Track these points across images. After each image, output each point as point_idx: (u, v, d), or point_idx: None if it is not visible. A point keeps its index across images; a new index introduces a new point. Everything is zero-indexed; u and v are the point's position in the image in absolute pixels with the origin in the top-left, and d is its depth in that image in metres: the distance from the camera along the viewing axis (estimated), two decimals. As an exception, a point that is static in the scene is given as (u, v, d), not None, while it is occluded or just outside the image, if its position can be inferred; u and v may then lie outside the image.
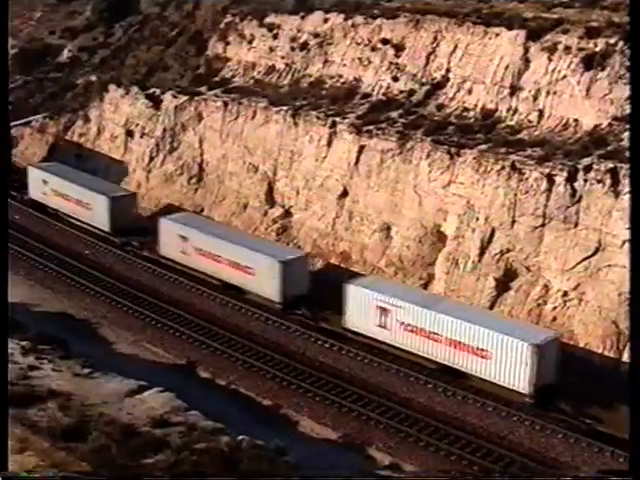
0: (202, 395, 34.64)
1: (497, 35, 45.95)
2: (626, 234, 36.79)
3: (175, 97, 57.97)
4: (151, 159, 58.39)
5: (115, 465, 23.98)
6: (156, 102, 59.00)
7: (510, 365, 34.04)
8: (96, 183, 54.71)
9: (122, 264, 49.27)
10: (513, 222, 40.52)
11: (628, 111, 40.00)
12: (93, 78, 67.00)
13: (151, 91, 60.15)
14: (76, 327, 41.47)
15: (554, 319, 38.51)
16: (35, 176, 56.56)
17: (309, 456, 30.27)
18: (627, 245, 36.76)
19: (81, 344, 37.31)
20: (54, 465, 23.75)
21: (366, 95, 50.39)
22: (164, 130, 57.96)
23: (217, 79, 58.78)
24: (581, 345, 37.19)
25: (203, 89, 57.87)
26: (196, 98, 56.92)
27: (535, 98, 43.58)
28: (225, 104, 54.91)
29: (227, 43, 60.20)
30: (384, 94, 49.74)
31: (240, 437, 27.48)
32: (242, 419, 33.17)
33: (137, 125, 59.82)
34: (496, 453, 32.36)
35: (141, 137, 59.46)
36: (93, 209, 52.60)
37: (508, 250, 40.63)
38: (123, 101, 61.18)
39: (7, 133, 48.33)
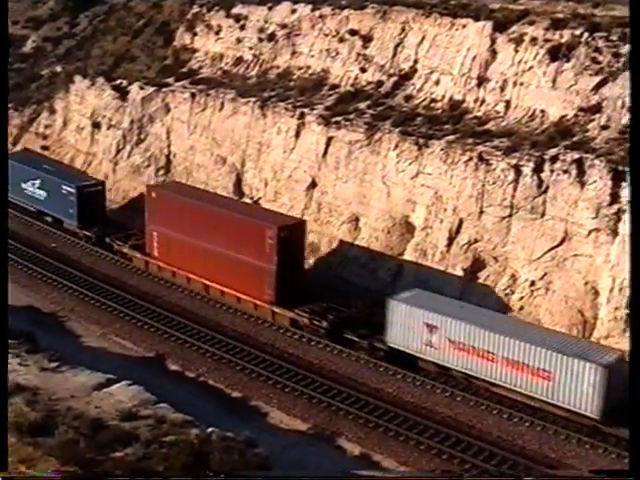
0: (171, 388, 34.51)
1: (464, 26, 46.10)
2: (592, 223, 37.25)
3: (142, 88, 57.55)
4: (118, 151, 57.97)
5: (83, 459, 23.85)
6: (123, 93, 58.54)
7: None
8: (543, 336, 34.61)
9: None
10: (481, 213, 40.79)
11: (593, 102, 40.44)
12: (58, 69, 66.22)
13: (118, 82, 59.64)
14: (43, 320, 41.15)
15: (521, 308, 38.88)
16: (406, 315, 36.68)
17: (279, 447, 30.33)
18: (593, 235, 37.24)
19: (49, 338, 37.01)
20: (21, 461, 23.56)
21: (334, 86, 50.36)
22: (131, 122, 57.54)
23: (184, 70, 58.40)
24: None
25: (170, 80, 57.47)
26: (163, 89, 56.55)
27: (502, 89, 43.82)
28: (192, 95, 54.61)
29: (194, 34, 59.83)
30: (352, 85, 49.74)
31: (210, 429, 27.47)
32: (212, 411, 33.11)
33: (104, 117, 59.33)
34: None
35: (108, 129, 58.98)
36: (558, 380, 32.87)
37: (476, 240, 40.90)
38: (89, 92, 60.61)
39: (5, 130, 45.65)
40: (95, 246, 49.34)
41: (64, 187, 50.90)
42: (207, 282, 43.14)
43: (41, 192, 52.84)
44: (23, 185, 53.49)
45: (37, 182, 52.96)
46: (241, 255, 40.98)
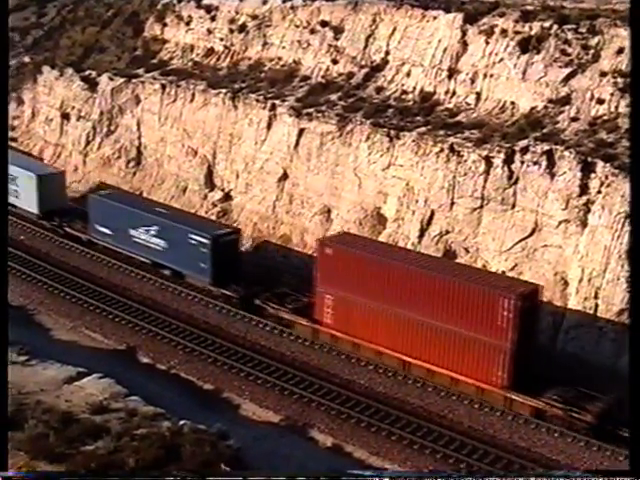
0: (142, 380, 34.30)
1: (435, 18, 46.20)
2: (561, 215, 37.54)
3: (112, 79, 57.04)
4: (88, 142, 57.46)
5: (53, 453, 23.70)
6: (92, 84, 58.01)
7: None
8: None
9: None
10: (452, 204, 40.93)
11: (563, 94, 40.73)
12: (26, 59, 65.46)
13: (87, 73, 59.09)
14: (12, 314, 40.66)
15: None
16: None
17: (251, 439, 30.29)
18: (562, 226, 37.52)
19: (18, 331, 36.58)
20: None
21: (305, 78, 50.27)
22: (101, 113, 57.04)
23: (155, 61, 57.99)
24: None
25: (140, 71, 57.05)
26: (133, 80, 56.09)
27: (473, 81, 43.99)
28: (163, 87, 54.22)
29: (164, 25, 59.38)
30: (323, 77, 49.68)
31: (181, 422, 27.37)
32: (183, 404, 32.97)
33: (73, 108, 58.75)
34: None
35: (77, 120, 58.43)
36: None
37: (447, 232, 41.05)
38: (58, 83, 59.97)
39: (6, 131, 43.23)
40: (235, 307, 41.30)
41: (193, 236, 42.15)
42: (407, 358, 36.03)
43: (159, 241, 44.21)
44: (132, 232, 45.29)
45: (153, 229, 44.39)
46: (459, 328, 34.10)
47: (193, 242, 42.23)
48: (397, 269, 35.90)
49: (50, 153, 59.54)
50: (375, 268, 36.39)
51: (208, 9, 57.06)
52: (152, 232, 44.52)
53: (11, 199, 50.15)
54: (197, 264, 42.37)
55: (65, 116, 59.16)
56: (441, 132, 42.11)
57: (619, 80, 39.14)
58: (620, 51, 39.75)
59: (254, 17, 54.33)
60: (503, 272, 38.98)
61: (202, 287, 42.94)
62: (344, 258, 37.47)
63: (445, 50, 45.08)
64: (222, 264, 41.88)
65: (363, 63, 48.54)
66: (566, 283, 37.25)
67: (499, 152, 39.63)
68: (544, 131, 39.93)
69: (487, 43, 43.82)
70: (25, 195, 50.95)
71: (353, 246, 38.24)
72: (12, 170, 49.63)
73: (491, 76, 43.38)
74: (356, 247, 38.13)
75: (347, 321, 37.32)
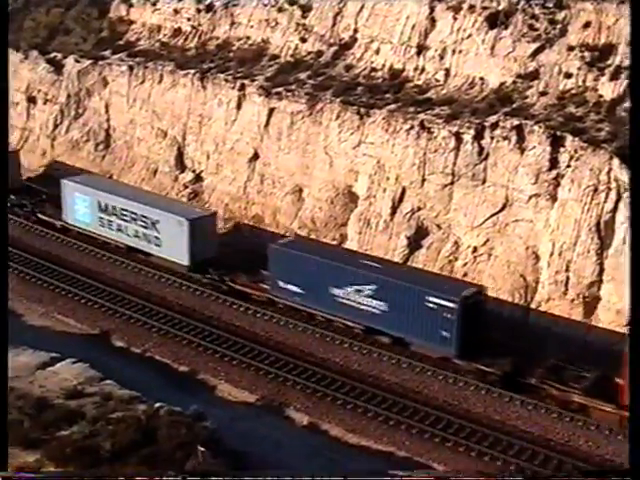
0: (117, 364, 34.21)
1: (403, -6, 46.05)
2: (531, 189, 37.79)
3: (78, 62, 56.36)
4: (55, 126, 56.83)
5: (28, 439, 23.63)
6: (58, 67, 57.29)
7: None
8: None
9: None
10: (423, 181, 41.03)
11: (531, 69, 40.86)
12: (-10, 43, 64.49)
13: (52, 55, 58.31)
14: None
15: (465, 274, 39.36)
16: None
17: (228, 420, 30.37)
18: (533, 200, 37.78)
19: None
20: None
21: (274, 57, 49.96)
22: (68, 96, 56.38)
23: (121, 42, 57.30)
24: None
25: (107, 53, 56.37)
26: (100, 62, 55.44)
27: (441, 57, 43.97)
28: (130, 68, 53.66)
29: (130, 5, 58.61)
30: (292, 55, 49.40)
31: (157, 404, 27.36)
32: (159, 386, 32.95)
33: (39, 91, 58.02)
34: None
35: (44, 103, 57.73)
36: None
37: (419, 208, 41.19)
38: (23, 66, 59.13)
39: (6, 134, 40.02)
40: (491, 384, 34.22)
41: (433, 299, 34.92)
42: None
43: (376, 303, 36.77)
44: (335, 291, 37.83)
45: (368, 288, 36.94)
46: None
47: (431, 305, 35.09)
48: None
49: (17, 137, 58.77)
50: None
51: (174, -11, 56.43)
52: (367, 292, 37.08)
53: (146, 245, 44.14)
54: (435, 332, 35.11)
55: (31, 99, 58.42)
56: (411, 109, 42.11)
57: (586, 54, 39.35)
58: (586, 25, 39.94)
59: (221, -4, 53.84)
60: (475, 247, 39.26)
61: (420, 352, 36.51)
62: None
63: (413, 27, 44.98)
64: (469, 331, 34.80)
65: (332, 41, 48.32)
66: (537, 257, 37.58)
67: (469, 128, 39.72)
68: (513, 106, 40.07)
69: (455, 19, 43.79)
70: (170, 243, 43.03)
71: None
72: (151, 213, 43.65)
73: (460, 52, 43.38)
74: None
75: None
